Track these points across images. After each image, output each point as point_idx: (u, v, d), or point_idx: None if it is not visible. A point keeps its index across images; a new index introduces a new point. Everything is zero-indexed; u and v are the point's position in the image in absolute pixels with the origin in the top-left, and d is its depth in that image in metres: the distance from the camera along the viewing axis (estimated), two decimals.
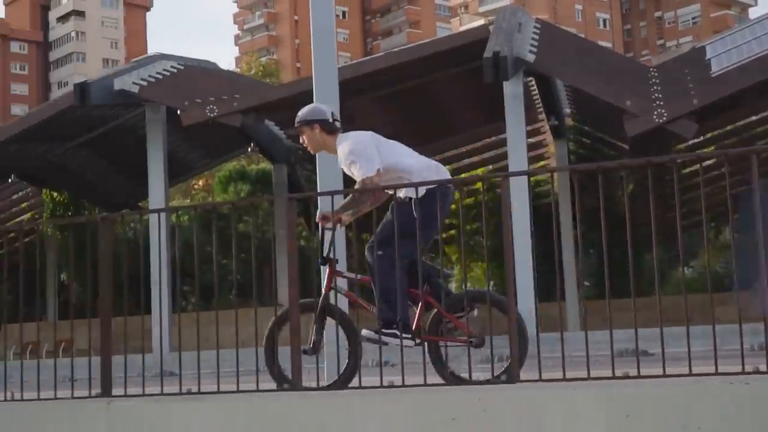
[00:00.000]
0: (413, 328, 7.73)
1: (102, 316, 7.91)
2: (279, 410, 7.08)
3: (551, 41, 26.43)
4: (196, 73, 29.22)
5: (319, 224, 8.03)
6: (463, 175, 27.77)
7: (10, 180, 33.34)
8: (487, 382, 7.22)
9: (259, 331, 7.53)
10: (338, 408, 6.85)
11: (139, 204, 31.78)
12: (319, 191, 9.41)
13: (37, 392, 8.03)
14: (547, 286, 27.24)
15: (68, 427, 7.65)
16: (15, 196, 35.94)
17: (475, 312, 7.89)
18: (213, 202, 23.90)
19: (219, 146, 32.76)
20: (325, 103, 11.17)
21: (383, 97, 27.58)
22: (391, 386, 7.02)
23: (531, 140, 29.00)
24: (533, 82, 26.56)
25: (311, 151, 8.56)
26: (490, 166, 33.76)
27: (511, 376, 7.07)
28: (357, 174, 7.85)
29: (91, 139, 29.30)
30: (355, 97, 22.25)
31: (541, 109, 28.97)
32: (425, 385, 6.91)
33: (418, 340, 7.73)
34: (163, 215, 10.41)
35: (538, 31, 25.58)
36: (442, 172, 8.16)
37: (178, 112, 24.10)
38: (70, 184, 33.37)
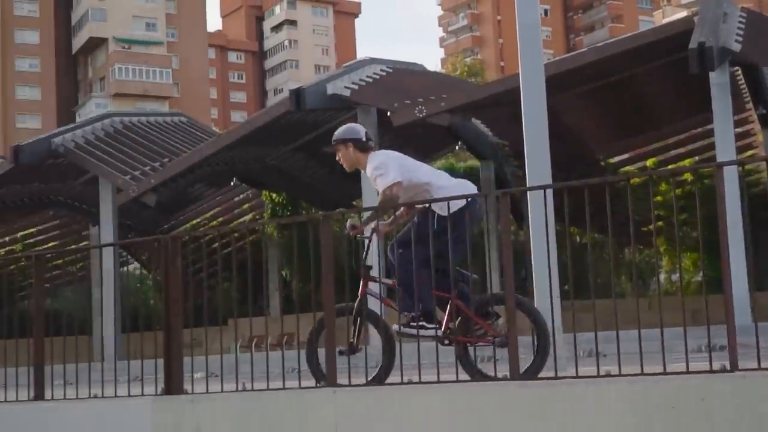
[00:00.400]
0: (442, 328, 8.08)
1: (326, 309, 8.09)
2: (497, 399, 7.12)
3: (757, 30, 25.56)
4: (405, 76, 29.54)
5: (350, 234, 8.45)
6: (670, 167, 27.20)
7: (232, 183, 34.51)
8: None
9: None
10: (560, 396, 6.83)
11: (353, 203, 32.31)
12: (528, 186, 9.37)
13: (266, 383, 8.27)
14: (761, 275, 26.39)
15: (297, 415, 7.87)
16: (237, 199, 37.10)
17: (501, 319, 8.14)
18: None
19: (428, 145, 32.98)
20: (532, 98, 11.15)
21: (587, 92, 27.29)
22: (608, 375, 6.94)
23: (738, 130, 28.12)
24: (739, 72, 25.75)
25: (346, 169, 8.78)
26: (696, 158, 32.88)
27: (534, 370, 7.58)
28: (380, 185, 8.31)
29: (306, 143, 29.96)
30: (559, 93, 22.04)
31: (748, 99, 28.05)
32: (642, 374, 6.79)
33: (447, 341, 8.07)
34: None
35: (743, 21, 24.79)
36: (470, 190, 8.49)
37: (388, 113, 24.40)
38: (287, 186, 34.18)
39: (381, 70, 28.30)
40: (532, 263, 12.09)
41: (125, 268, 37.28)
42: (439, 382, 7.55)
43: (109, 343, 24.05)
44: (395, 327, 8.23)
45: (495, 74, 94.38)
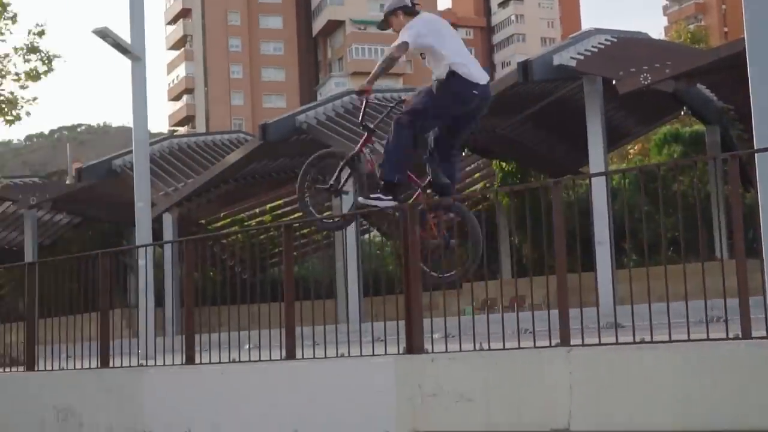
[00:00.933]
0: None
1: (559, 272, 8.05)
2: (727, 356, 6.94)
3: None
4: (629, 44, 28.86)
5: (363, 97, 9.03)
6: None
7: (463, 153, 34.68)
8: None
9: (699, 286, 7.35)
10: None
11: (580, 169, 31.91)
12: (756, 148, 9.00)
13: (502, 342, 8.31)
14: None
15: (532, 373, 7.87)
16: (468, 168, 37.25)
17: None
18: (650, 164, 23.33)
19: (652, 112, 32.19)
20: (759, 61, 10.68)
21: None
22: None
23: None
24: None
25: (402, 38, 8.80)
26: None
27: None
28: (394, 44, 8.77)
29: (533, 113, 29.77)
30: None
31: None
32: None
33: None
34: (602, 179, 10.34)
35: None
36: (475, 69, 8.74)
37: (614, 82, 23.94)
38: (516, 155, 34.07)
39: (605, 39, 27.75)
40: (761, 225, 11.64)
41: (366, 236, 38.09)
42: (671, 341, 7.40)
43: (353, 306, 24.74)
44: (359, 199, 8.99)
45: (719, 40, 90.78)
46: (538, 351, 7.98)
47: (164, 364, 11.16)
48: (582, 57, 25.28)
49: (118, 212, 31.06)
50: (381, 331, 9.51)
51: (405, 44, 8.71)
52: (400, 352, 8.98)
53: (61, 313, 12.61)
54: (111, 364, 11.53)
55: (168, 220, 29.65)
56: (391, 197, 8.91)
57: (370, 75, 8.93)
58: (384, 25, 9.18)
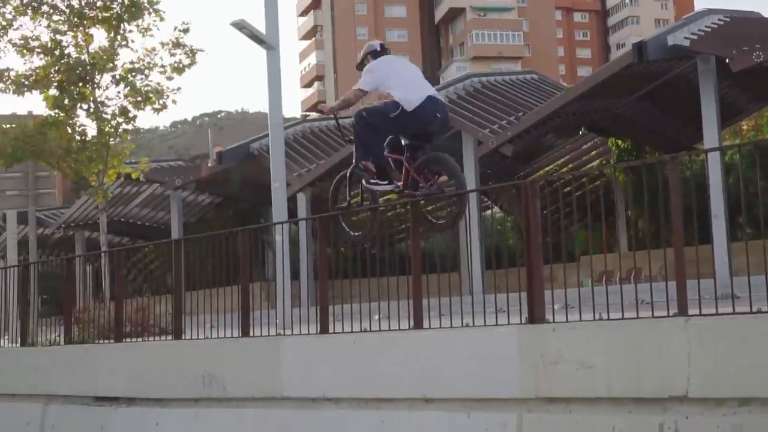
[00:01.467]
0: (401, 185, 9.86)
1: (676, 245, 7.87)
2: None
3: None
4: (741, 24, 27.99)
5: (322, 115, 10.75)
6: None
7: (580, 132, 34.22)
8: None
9: None
10: None
11: (694, 146, 31.12)
12: None
13: (621, 312, 8.17)
14: None
15: (650, 343, 7.70)
16: (585, 146, 36.73)
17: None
18: (765, 139, 22.61)
19: (766, 89, 31.19)
20: None
21: None
22: None
23: None
24: None
25: None
26: None
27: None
28: (355, 85, 9.81)
29: (648, 92, 29.14)
30: None
31: None
32: None
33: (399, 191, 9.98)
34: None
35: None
36: (424, 96, 9.58)
37: (727, 60, 23.28)
38: (631, 132, 33.43)
39: (718, 19, 26.95)
40: None
41: (488, 212, 37.89)
42: None
43: (476, 278, 24.67)
44: (363, 184, 9.94)
45: None
46: (657, 321, 7.80)
47: (300, 334, 11.30)
48: (695, 37, 24.60)
49: (256, 192, 31.60)
50: (503, 303, 9.43)
51: (361, 92, 9.85)
52: (523, 322, 8.90)
53: (205, 286, 12.86)
54: (251, 333, 11.72)
55: (302, 199, 30.02)
56: (386, 181, 9.93)
57: (333, 106, 10.21)
58: (360, 66, 10.15)
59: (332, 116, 10.37)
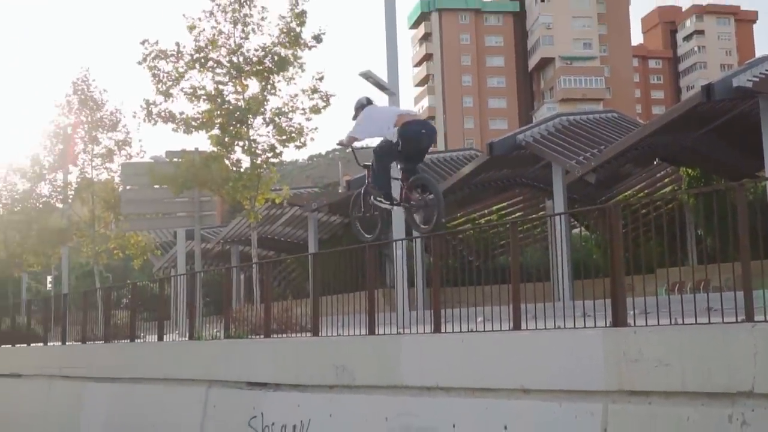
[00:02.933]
0: (398, 200, 10.27)
1: (743, 258, 7.64)
2: None
3: None
4: None
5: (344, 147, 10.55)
6: None
7: (654, 162, 33.43)
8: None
9: None
10: None
11: (757, 173, 30.05)
12: None
13: (694, 318, 7.95)
14: None
15: (720, 345, 7.49)
16: (659, 175, 35.85)
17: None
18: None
19: None
20: None
21: None
22: None
23: None
24: None
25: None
26: None
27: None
28: (350, 131, 10.31)
29: (714, 127, 28.28)
30: None
31: None
32: None
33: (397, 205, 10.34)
34: None
35: None
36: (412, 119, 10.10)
37: None
38: (699, 162, 32.45)
39: None
40: None
41: (575, 230, 37.32)
42: None
43: (564, 287, 24.26)
44: (372, 200, 10.42)
45: None
46: (726, 326, 7.57)
47: (417, 333, 11.32)
48: (757, 79, 23.79)
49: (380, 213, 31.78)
50: (588, 309, 9.28)
51: (353, 138, 10.34)
52: (608, 325, 8.74)
53: (337, 292, 13.00)
54: (376, 332, 11.78)
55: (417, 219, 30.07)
56: (389, 202, 10.36)
57: (344, 141, 10.39)
58: (354, 117, 10.43)
59: (350, 148, 10.60)
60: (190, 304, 16.25)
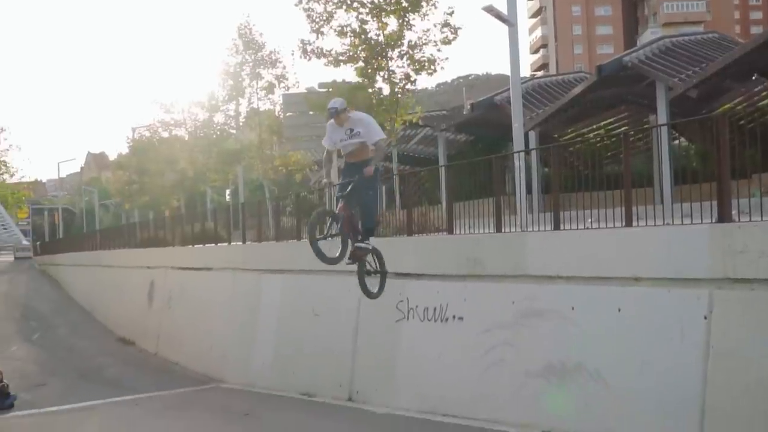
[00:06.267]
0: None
1: None
2: None
3: None
4: None
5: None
6: None
7: (753, 77, 31.35)
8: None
9: None
10: None
11: None
12: None
13: None
14: None
15: None
16: (756, 89, 33.65)
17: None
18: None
19: None
20: None
21: None
22: None
23: None
24: None
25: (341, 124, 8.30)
26: None
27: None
28: (384, 135, 8.49)
29: None
30: None
31: None
32: None
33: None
34: None
35: None
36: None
37: None
38: None
39: None
40: None
41: (675, 142, 35.77)
42: None
43: (667, 191, 23.40)
44: (359, 245, 8.51)
45: None
46: None
47: (538, 230, 11.25)
48: None
49: (499, 132, 31.32)
50: (689, 210, 9.01)
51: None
52: (713, 221, 8.44)
53: (464, 199, 13.04)
54: (502, 231, 11.78)
55: (532, 136, 29.48)
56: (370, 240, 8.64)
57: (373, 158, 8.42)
58: (336, 118, 8.31)
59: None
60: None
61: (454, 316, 11.83)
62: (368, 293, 9.23)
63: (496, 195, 12.00)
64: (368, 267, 9.02)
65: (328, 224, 8.45)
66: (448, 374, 11.72)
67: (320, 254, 8.25)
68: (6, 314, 35.16)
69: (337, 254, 8.52)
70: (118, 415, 14.12)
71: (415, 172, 25.68)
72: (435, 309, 12.21)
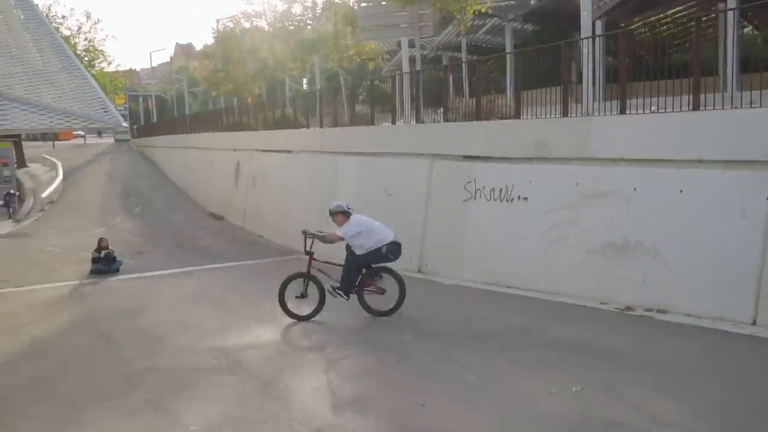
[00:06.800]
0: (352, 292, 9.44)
1: None
2: None
3: None
4: None
5: (303, 234, 9.51)
6: None
7: None
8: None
9: None
10: None
11: None
12: None
13: None
14: None
15: None
16: None
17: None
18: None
19: None
20: None
21: None
22: None
23: None
24: None
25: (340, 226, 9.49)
26: None
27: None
28: (340, 231, 9.37)
29: None
30: None
31: None
32: None
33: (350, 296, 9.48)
34: None
35: None
36: (383, 234, 9.34)
37: None
38: None
39: None
40: None
41: (743, 30, 33.57)
42: None
43: (732, 79, 22.20)
44: (328, 286, 9.46)
45: None
46: None
47: (604, 115, 10.89)
48: None
49: (566, 21, 29.99)
50: (755, 97, 8.51)
51: (341, 237, 9.37)
52: None
53: (531, 88, 12.65)
54: (569, 115, 11.44)
55: (599, 25, 28.12)
56: (347, 294, 9.48)
57: (316, 236, 9.50)
58: (332, 218, 9.55)
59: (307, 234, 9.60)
60: (415, 96, 16.37)
61: (519, 197, 11.72)
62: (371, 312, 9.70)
63: (563, 79, 11.57)
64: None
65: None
66: (512, 250, 11.75)
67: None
68: (110, 190, 36.63)
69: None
70: (213, 278, 14.74)
71: (482, 60, 24.96)
72: (501, 190, 12.11)
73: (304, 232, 9.61)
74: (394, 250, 9.40)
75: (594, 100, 15.13)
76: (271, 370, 7.41)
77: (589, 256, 10.33)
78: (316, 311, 9.56)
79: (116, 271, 16.07)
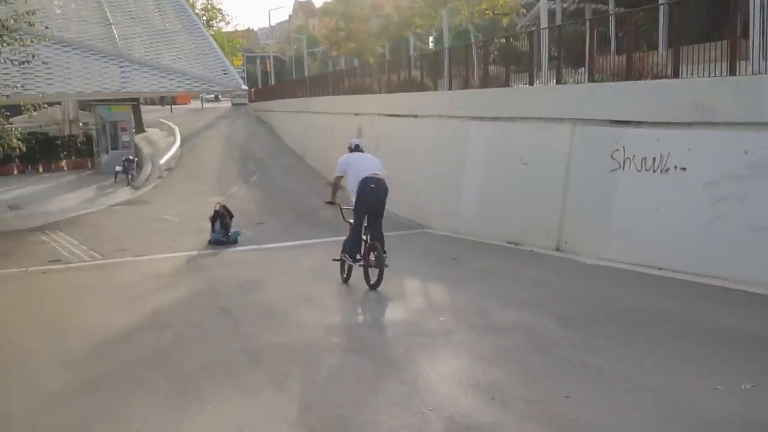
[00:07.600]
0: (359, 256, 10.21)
1: None
2: None
3: None
4: None
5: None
6: None
7: None
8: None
9: None
10: None
11: None
12: None
13: None
14: None
15: None
16: None
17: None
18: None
19: None
20: None
21: None
22: None
23: None
24: None
25: None
26: None
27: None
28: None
29: None
30: None
31: None
32: None
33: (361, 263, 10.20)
34: None
35: None
36: (369, 174, 9.75)
37: None
38: None
39: None
40: None
41: None
42: None
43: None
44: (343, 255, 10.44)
45: None
46: None
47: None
48: None
49: None
50: None
51: (338, 176, 10.01)
52: None
53: (693, 42, 11.93)
54: (737, 74, 10.74)
55: None
56: (353, 259, 10.24)
57: (330, 194, 10.31)
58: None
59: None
60: (555, 54, 15.92)
61: (676, 167, 11.20)
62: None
63: (730, 33, 10.87)
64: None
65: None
66: (666, 227, 11.26)
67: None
68: (228, 156, 38.16)
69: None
70: (334, 252, 15.03)
71: (632, 12, 23.94)
72: (654, 159, 11.61)
73: (332, 205, 10.43)
74: (372, 189, 9.75)
75: (764, 58, 14.18)
76: (397, 351, 7.49)
77: (759, 235, 9.74)
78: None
79: (235, 242, 16.72)
